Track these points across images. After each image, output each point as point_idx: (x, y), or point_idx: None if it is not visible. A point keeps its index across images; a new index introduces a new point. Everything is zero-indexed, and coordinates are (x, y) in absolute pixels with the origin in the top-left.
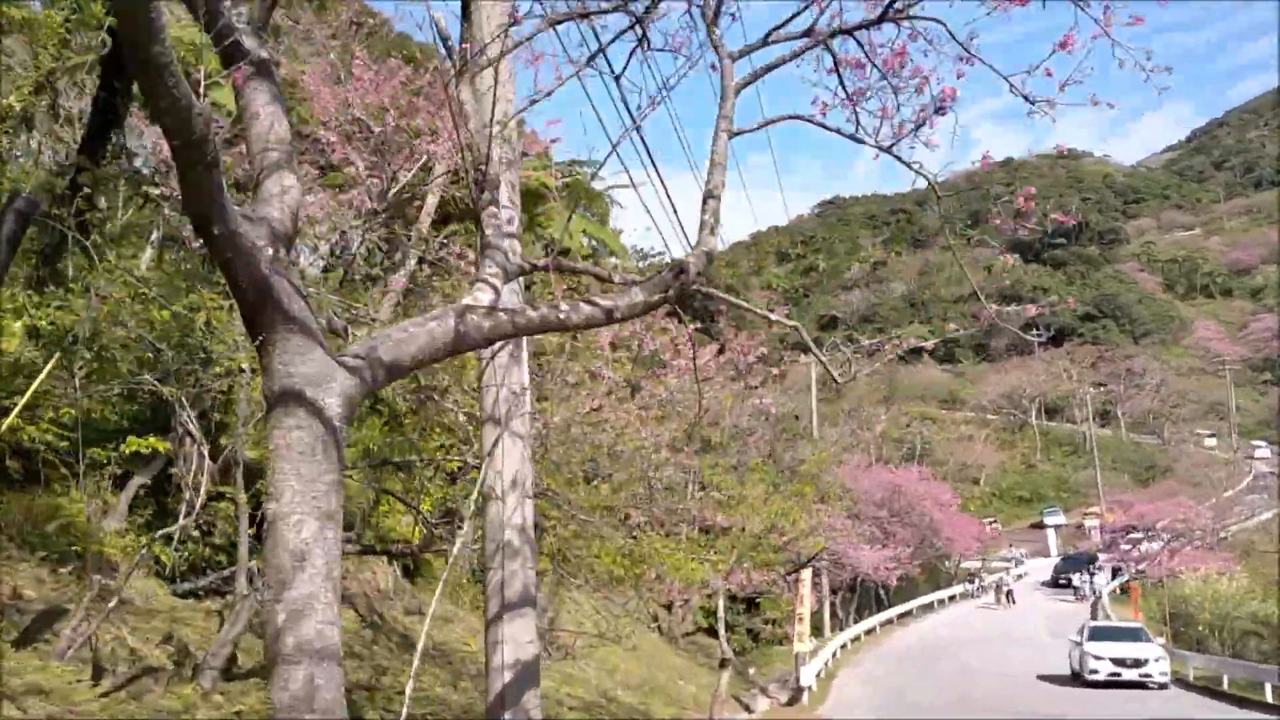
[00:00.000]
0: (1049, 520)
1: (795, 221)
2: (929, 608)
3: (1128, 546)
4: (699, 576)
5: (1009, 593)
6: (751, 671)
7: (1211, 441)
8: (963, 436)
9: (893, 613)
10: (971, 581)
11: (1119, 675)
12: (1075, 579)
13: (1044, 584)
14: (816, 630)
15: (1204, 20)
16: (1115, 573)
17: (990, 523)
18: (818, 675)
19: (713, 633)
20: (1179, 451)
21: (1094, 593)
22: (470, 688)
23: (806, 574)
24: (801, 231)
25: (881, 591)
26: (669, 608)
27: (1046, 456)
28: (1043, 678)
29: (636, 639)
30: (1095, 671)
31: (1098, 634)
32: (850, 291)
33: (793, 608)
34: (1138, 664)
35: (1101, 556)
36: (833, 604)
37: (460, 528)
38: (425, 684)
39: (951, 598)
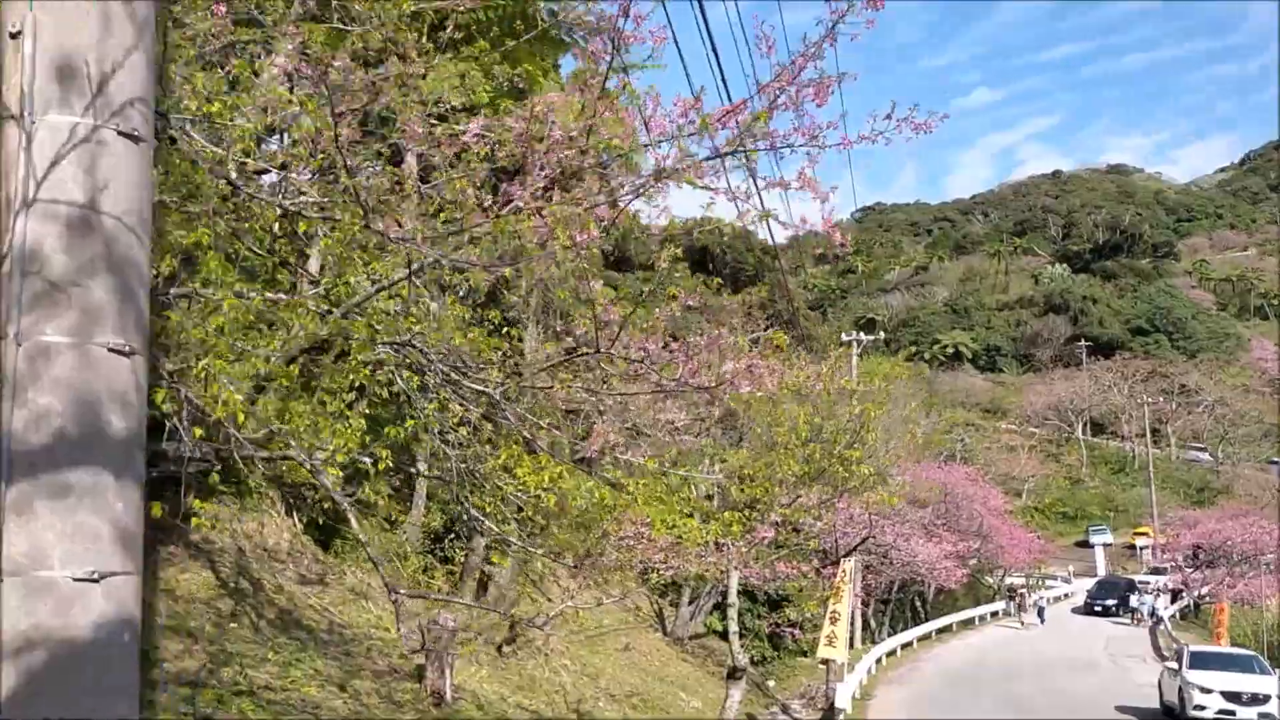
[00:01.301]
0: (1095, 539)
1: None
2: (969, 624)
3: (1190, 569)
4: (695, 536)
5: (1040, 610)
6: (771, 684)
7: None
8: (1005, 447)
9: (931, 626)
10: (1012, 598)
11: (1232, 714)
12: (1108, 605)
13: (1075, 611)
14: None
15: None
16: (1175, 596)
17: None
18: (852, 695)
19: (728, 636)
20: (1234, 473)
21: (1153, 616)
22: (367, 689)
23: (850, 564)
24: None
25: (918, 603)
26: (675, 603)
27: (1093, 473)
28: (1125, 710)
29: (629, 637)
30: (1202, 708)
31: (1202, 661)
32: (889, 294)
33: (827, 605)
34: (1255, 700)
35: (1156, 579)
36: (864, 614)
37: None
38: (294, 679)
39: (994, 614)
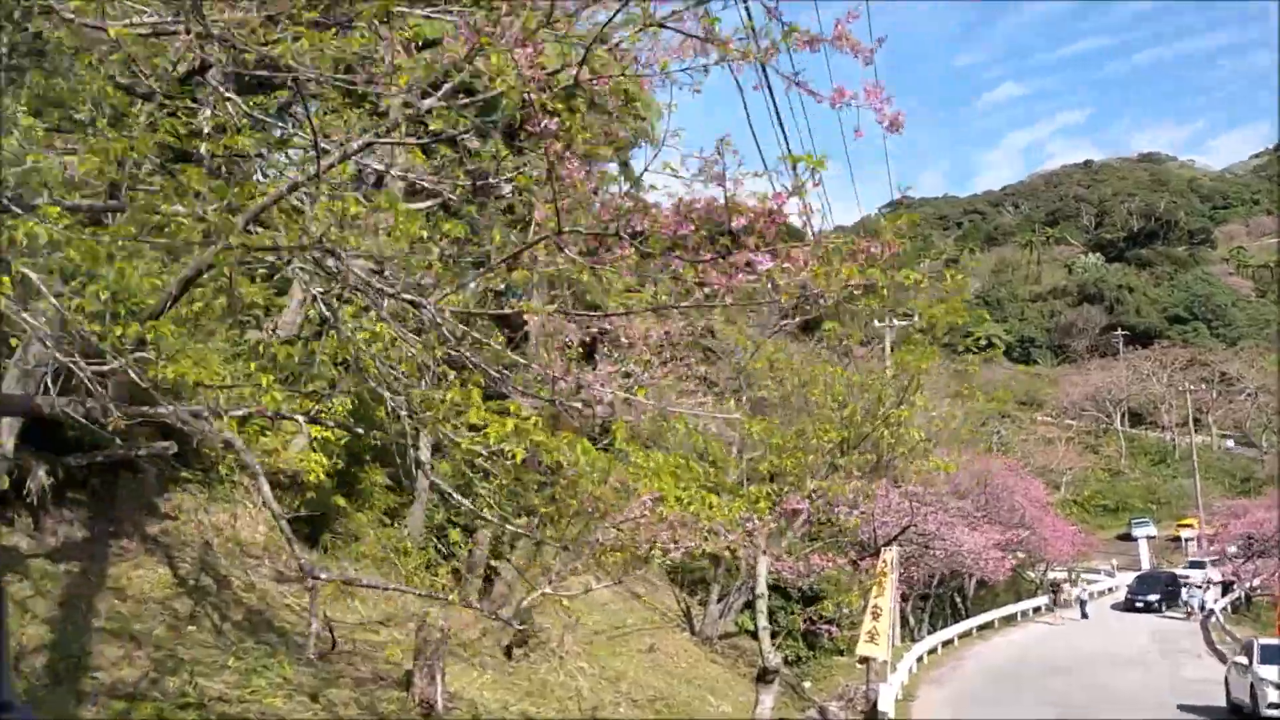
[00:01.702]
0: (1138, 531)
1: (861, 221)
2: (1010, 620)
3: (1242, 559)
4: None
5: (1082, 605)
6: (807, 686)
7: None
8: (1042, 439)
9: (973, 623)
10: (1055, 592)
11: None
12: (1150, 600)
13: (1114, 607)
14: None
15: None
16: (1226, 588)
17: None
18: (894, 697)
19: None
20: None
21: (1204, 610)
22: (345, 699)
23: (891, 554)
24: (869, 229)
25: (958, 599)
26: (704, 601)
27: (1133, 464)
28: (1188, 709)
29: (655, 637)
30: (1278, 705)
31: (1274, 655)
32: (919, 286)
33: (867, 599)
34: None
35: (1198, 574)
36: (903, 610)
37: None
38: (256, 689)
39: (1036, 609)
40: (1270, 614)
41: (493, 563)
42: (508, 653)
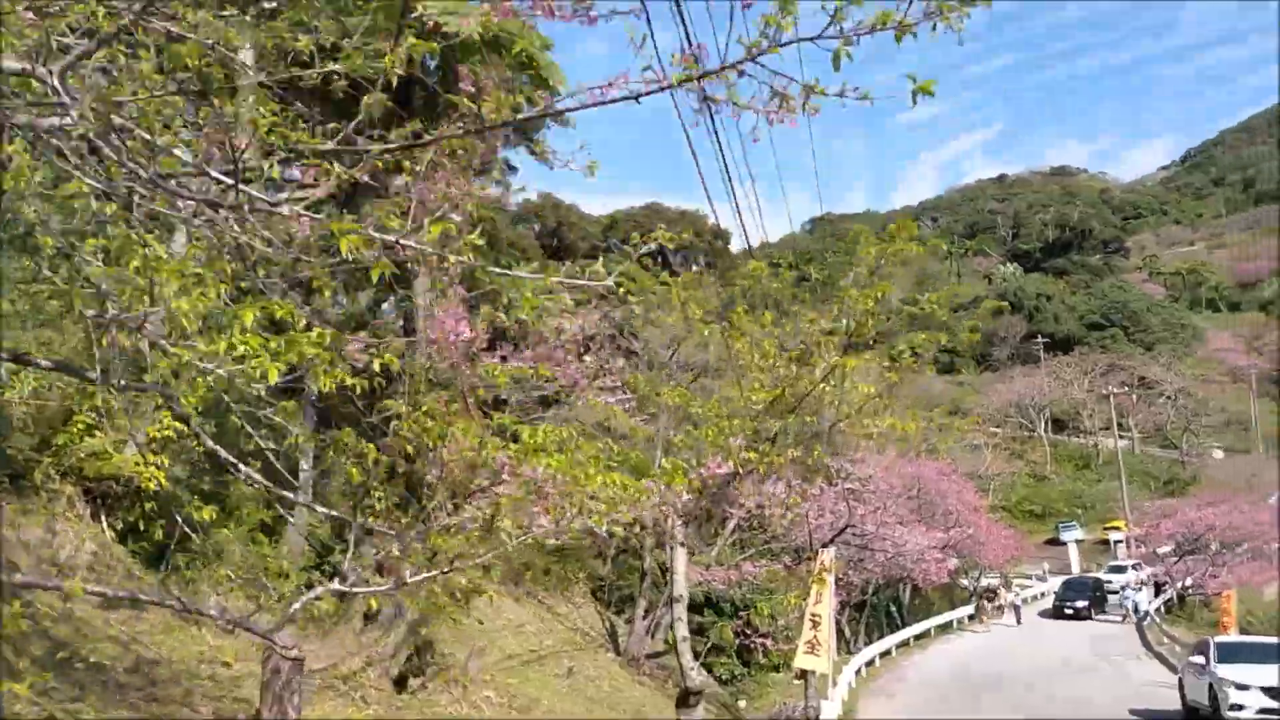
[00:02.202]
0: (1065, 536)
1: (787, 238)
2: (947, 628)
3: (1174, 559)
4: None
5: (1016, 611)
6: (742, 705)
7: (1219, 455)
8: (969, 446)
9: (910, 632)
10: (990, 599)
11: (1277, 711)
12: (1079, 607)
13: (1041, 614)
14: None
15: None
16: (1159, 589)
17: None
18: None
19: (695, 654)
20: (1200, 463)
21: (1138, 612)
22: None
23: (828, 555)
24: (793, 246)
25: (894, 608)
26: (630, 619)
27: (1058, 470)
28: (1140, 714)
29: (575, 659)
30: (1241, 707)
31: (1232, 653)
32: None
33: (804, 609)
34: None
35: (1120, 577)
36: (838, 622)
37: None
38: None
39: (971, 617)
40: (1203, 614)
41: (378, 579)
42: (399, 684)
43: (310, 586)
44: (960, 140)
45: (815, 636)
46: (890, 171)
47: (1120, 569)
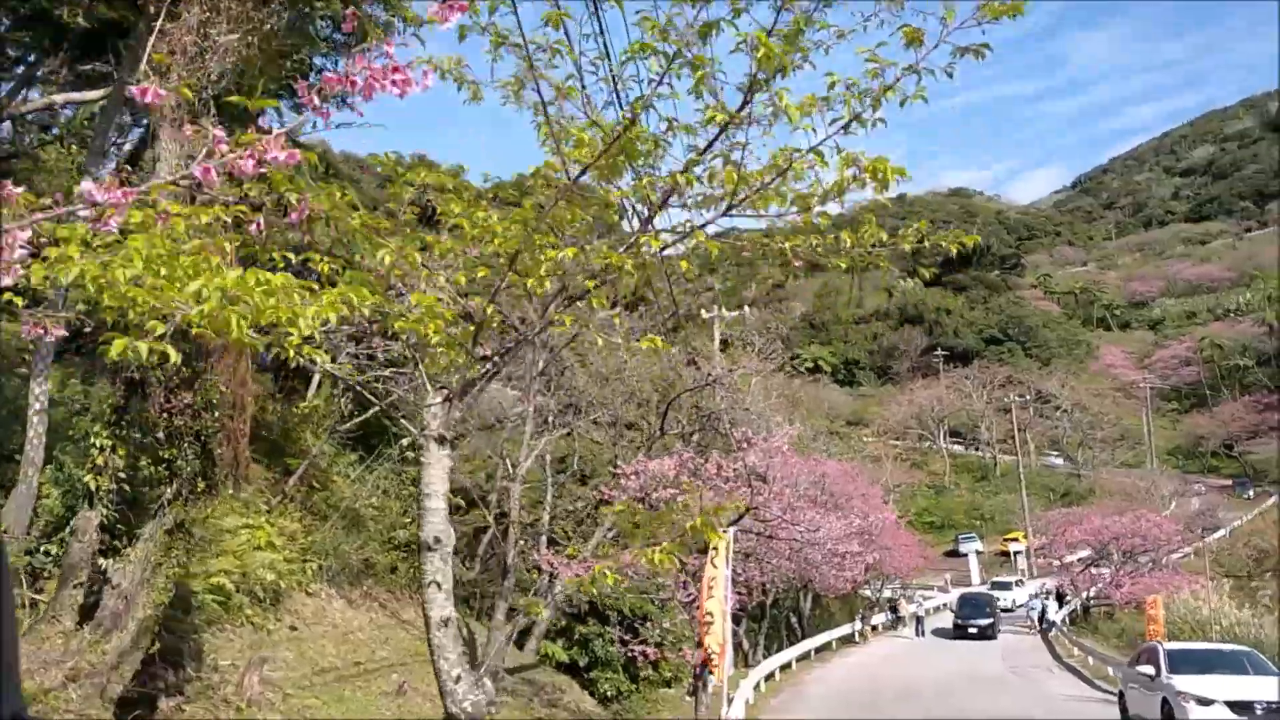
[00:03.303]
0: (965, 547)
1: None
2: (849, 640)
3: (1080, 569)
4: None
5: (918, 621)
6: None
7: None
8: (870, 457)
9: (811, 644)
10: (894, 611)
11: None
12: (983, 625)
13: (937, 634)
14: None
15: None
16: (1061, 599)
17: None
18: None
19: (574, 668)
20: (1095, 476)
21: (1043, 622)
22: None
23: (726, 541)
24: (696, 258)
25: (794, 619)
26: (492, 624)
27: (957, 481)
28: None
29: (411, 673)
30: None
31: (1185, 662)
32: (748, 309)
33: (699, 604)
34: (1272, 710)
35: (1005, 595)
36: (735, 634)
37: None
38: None
39: (874, 628)
40: (1108, 625)
41: (102, 563)
42: (122, 707)
43: (34, 574)
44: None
45: (707, 641)
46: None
47: (1005, 585)
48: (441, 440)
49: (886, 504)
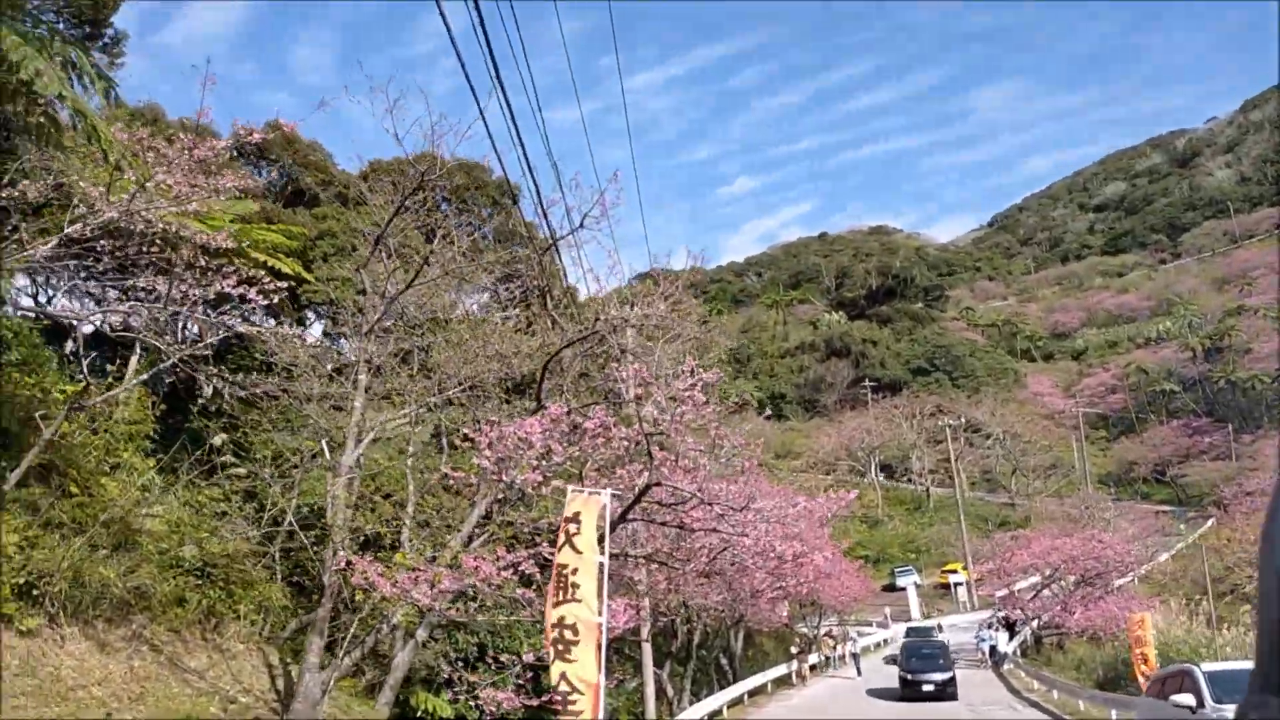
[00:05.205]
0: (902, 581)
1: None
2: (784, 681)
3: (1031, 595)
4: None
5: (855, 658)
6: None
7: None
8: (802, 488)
9: (743, 687)
10: (834, 650)
11: None
12: (944, 681)
13: (870, 693)
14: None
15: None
16: (1012, 629)
17: None
18: None
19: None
20: (1030, 505)
21: (992, 655)
22: None
23: (595, 511)
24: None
25: (724, 659)
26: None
27: (890, 513)
28: None
29: None
30: None
31: (1234, 689)
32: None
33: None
34: None
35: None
36: (659, 678)
37: None
38: None
39: (813, 668)
40: (1060, 657)
41: None
42: None
43: None
44: (781, 213)
45: (566, 668)
46: (716, 240)
47: (925, 631)
48: None
49: (824, 527)
